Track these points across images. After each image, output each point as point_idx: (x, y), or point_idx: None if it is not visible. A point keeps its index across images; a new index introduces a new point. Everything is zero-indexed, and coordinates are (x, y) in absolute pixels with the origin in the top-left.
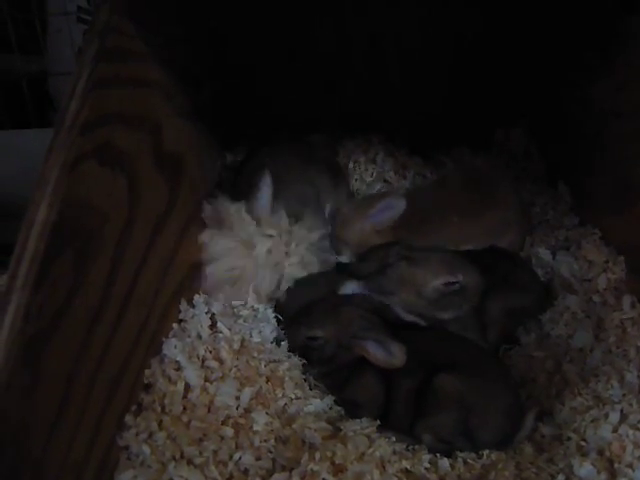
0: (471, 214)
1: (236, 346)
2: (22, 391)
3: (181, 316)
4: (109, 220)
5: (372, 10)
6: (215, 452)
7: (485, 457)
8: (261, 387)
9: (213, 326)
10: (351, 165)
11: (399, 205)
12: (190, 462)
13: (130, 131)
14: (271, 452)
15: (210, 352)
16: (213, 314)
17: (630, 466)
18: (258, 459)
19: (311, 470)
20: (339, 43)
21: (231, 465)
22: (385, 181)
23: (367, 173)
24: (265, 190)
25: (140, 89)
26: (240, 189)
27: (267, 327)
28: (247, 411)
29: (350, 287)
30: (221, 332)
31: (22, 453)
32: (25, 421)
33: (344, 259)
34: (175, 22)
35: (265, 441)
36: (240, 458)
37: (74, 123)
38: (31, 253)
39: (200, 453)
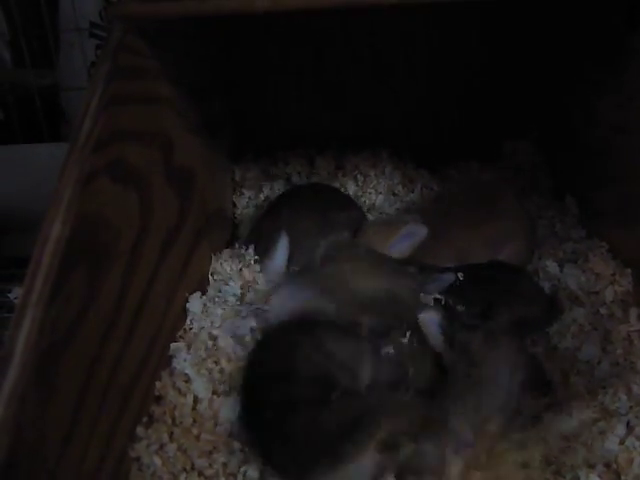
0: (472, 226)
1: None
2: (36, 404)
3: (191, 326)
4: (121, 235)
5: (379, 28)
6: (225, 465)
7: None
8: None
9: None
10: (361, 179)
11: (420, 232)
12: (201, 474)
13: (142, 147)
14: None
15: (216, 364)
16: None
17: (637, 478)
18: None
19: None
20: (348, 60)
21: (240, 478)
22: (394, 194)
23: (378, 186)
24: (281, 252)
25: (151, 106)
26: (256, 245)
27: None
28: None
29: None
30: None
31: (37, 465)
32: (40, 434)
33: None
34: (186, 39)
35: None
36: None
37: (87, 140)
38: (45, 268)
39: (210, 465)
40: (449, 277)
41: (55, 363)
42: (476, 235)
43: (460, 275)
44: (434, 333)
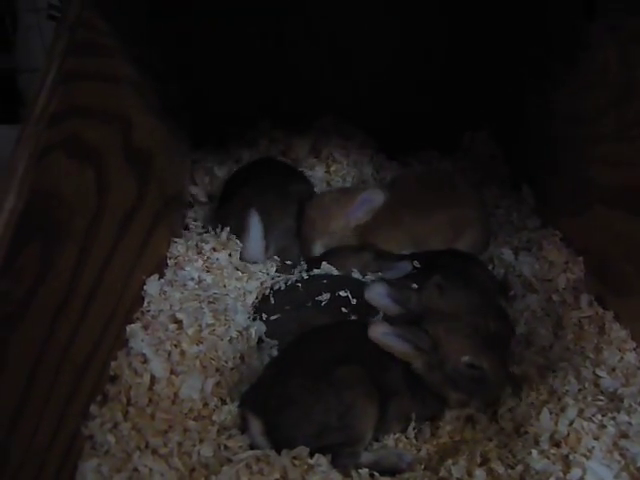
0: (424, 213)
1: (200, 338)
2: None
3: (148, 308)
4: (77, 212)
5: (339, 14)
6: (179, 444)
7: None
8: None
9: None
10: (333, 168)
11: (377, 199)
12: (155, 452)
13: (99, 125)
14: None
15: (175, 345)
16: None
17: (585, 457)
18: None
19: None
20: (307, 44)
21: (194, 457)
22: (364, 182)
23: (348, 175)
24: (255, 232)
25: (109, 84)
26: (225, 224)
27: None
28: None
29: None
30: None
31: None
32: None
33: (316, 249)
34: (144, 20)
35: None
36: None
37: (42, 115)
38: None
39: (165, 444)
40: (405, 266)
41: (8, 335)
42: (432, 222)
43: (416, 263)
44: (384, 303)
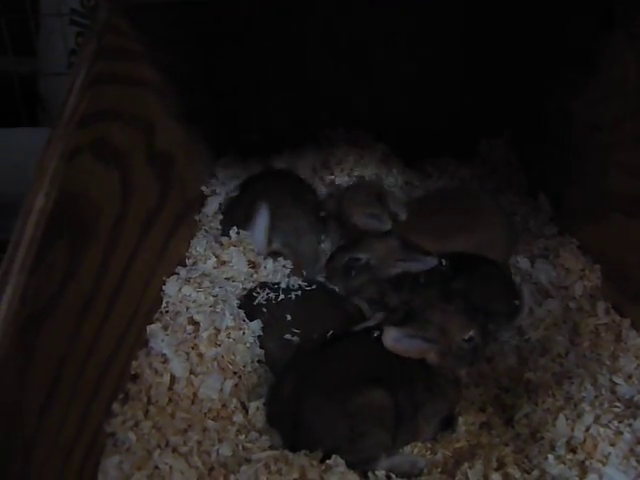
0: (445, 239)
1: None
2: (16, 371)
3: (167, 309)
4: (102, 212)
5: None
6: (199, 443)
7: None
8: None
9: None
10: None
11: (385, 225)
12: (175, 451)
13: (124, 128)
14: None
15: (192, 347)
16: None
17: (601, 463)
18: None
19: None
20: (327, 55)
21: (213, 456)
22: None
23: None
24: (261, 222)
25: (135, 88)
26: (236, 220)
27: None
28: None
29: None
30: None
31: (15, 431)
32: (18, 400)
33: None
34: (171, 25)
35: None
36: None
37: (72, 116)
38: (28, 239)
39: (184, 443)
40: (431, 261)
41: (35, 333)
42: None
43: (443, 261)
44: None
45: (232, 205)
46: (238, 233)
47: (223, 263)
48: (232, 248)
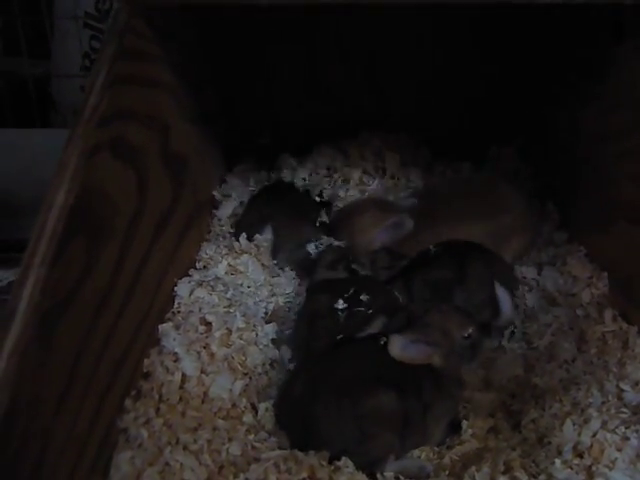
0: (462, 225)
1: (228, 342)
2: (36, 361)
3: (179, 309)
4: (119, 210)
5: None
6: (209, 441)
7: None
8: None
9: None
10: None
11: (407, 225)
12: (186, 448)
13: (140, 128)
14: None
15: (205, 348)
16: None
17: (608, 469)
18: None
19: None
20: (337, 59)
21: (223, 454)
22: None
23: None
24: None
25: (151, 89)
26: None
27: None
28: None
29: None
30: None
31: (33, 420)
32: (37, 390)
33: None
34: (186, 28)
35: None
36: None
37: (92, 115)
38: (49, 233)
39: (195, 441)
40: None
41: (55, 325)
42: (470, 235)
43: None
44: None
45: (242, 221)
46: (249, 239)
47: (234, 268)
48: (245, 255)
